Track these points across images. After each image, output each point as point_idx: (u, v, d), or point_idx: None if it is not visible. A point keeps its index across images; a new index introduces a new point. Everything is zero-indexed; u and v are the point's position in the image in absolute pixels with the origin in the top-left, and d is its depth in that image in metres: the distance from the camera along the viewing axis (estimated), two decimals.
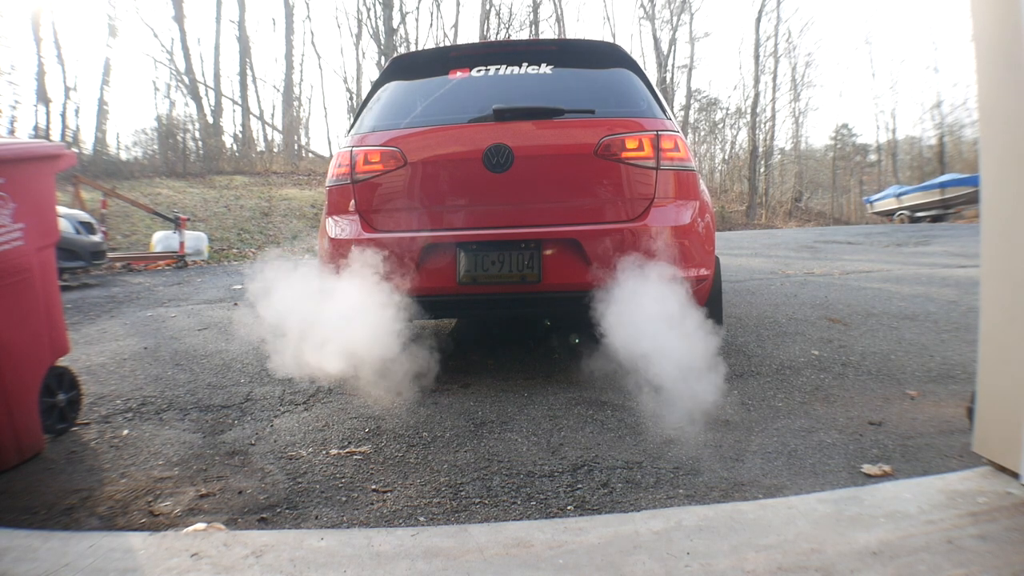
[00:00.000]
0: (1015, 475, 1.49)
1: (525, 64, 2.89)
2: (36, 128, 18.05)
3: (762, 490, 1.68)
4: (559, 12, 28.32)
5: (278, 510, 1.67)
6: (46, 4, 22.47)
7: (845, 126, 41.81)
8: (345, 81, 33.90)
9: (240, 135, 23.21)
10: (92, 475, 1.90)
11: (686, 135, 3.42)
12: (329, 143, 31.93)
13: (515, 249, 2.54)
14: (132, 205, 10.37)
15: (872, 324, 3.55)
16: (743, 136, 31.57)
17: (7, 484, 1.84)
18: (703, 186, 2.88)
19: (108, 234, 8.85)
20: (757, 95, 28.56)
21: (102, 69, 21.55)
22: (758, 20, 28.24)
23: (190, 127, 20.99)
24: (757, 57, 28.38)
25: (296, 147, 24.43)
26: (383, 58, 23.46)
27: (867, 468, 1.78)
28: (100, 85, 20.70)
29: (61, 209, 6.71)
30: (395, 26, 24.37)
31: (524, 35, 26.74)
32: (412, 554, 1.34)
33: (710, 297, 2.76)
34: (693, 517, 1.45)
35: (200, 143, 20.27)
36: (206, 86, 22.61)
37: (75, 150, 14.09)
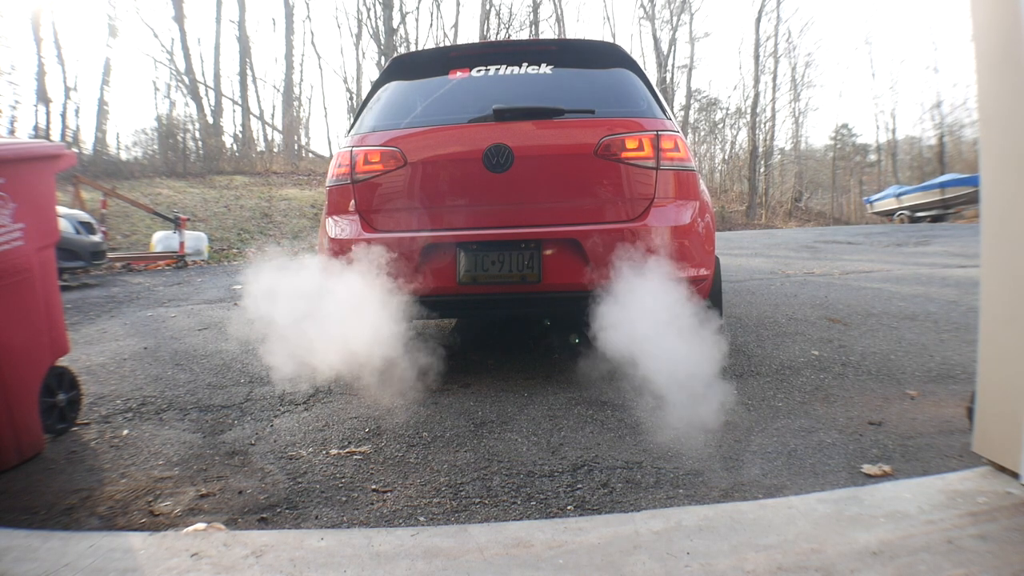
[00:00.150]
0: (1015, 475, 1.49)
1: (525, 64, 2.89)
2: (36, 128, 18.06)
3: (762, 490, 1.68)
4: (559, 12, 28.37)
5: (278, 510, 1.67)
6: (46, 4, 22.47)
7: (845, 126, 41.87)
8: (345, 81, 33.90)
9: (240, 135, 23.24)
10: (92, 475, 1.90)
11: (686, 135, 3.42)
12: (329, 143, 31.99)
13: (515, 249, 2.54)
14: (132, 205, 10.38)
15: (872, 324, 3.55)
16: (743, 136, 31.63)
17: (7, 484, 1.84)
18: (703, 186, 2.88)
19: (108, 234, 8.86)
20: (757, 95, 28.59)
21: (102, 69, 21.60)
22: (758, 20, 28.29)
23: (190, 127, 21.01)
24: (757, 57, 28.41)
25: (296, 147, 24.44)
26: (383, 58, 23.47)
27: (867, 468, 1.78)
28: (100, 85, 20.74)
29: (61, 209, 6.72)
30: (395, 26, 24.40)
31: (524, 35, 26.75)
32: (412, 554, 1.34)
33: (710, 297, 2.76)
34: (693, 517, 1.45)
35: (200, 143, 20.27)
36: (206, 86, 22.64)
37: (75, 150, 14.11)
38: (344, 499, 1.73)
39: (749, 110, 29.18)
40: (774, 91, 29.47)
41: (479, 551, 1.34)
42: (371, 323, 2.39)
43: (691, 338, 2.23)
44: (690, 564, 1.26)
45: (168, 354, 3.36)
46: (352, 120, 3.01)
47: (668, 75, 28.80)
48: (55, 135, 18.22)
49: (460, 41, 26.43)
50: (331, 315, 2.42)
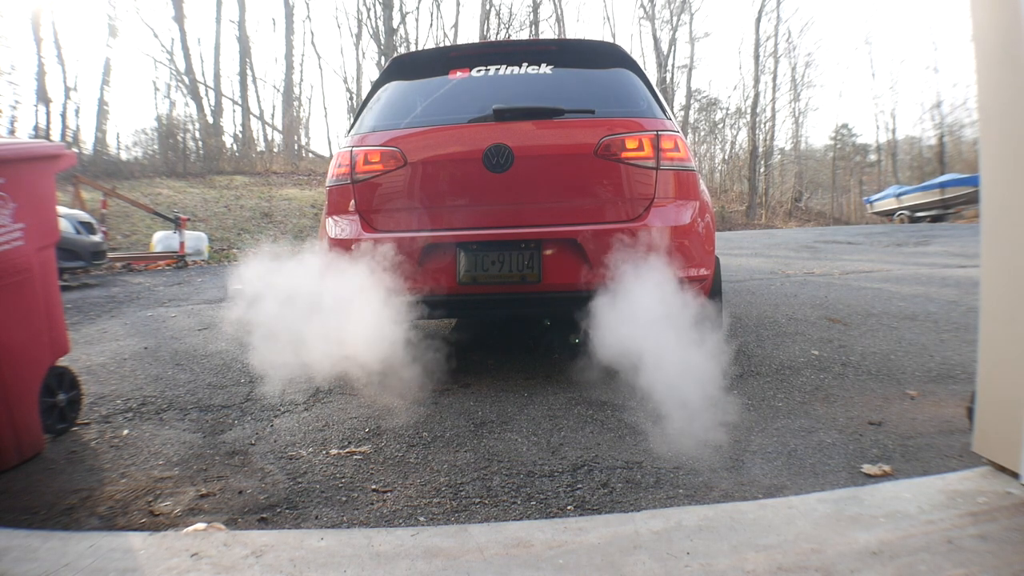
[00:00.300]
0: (1015, 475, 1.49)
1: (525, 64, 2.89)
2: (36, 128, 18.06)
3: (762, 490, 1.68)
4: (559, 12, 28.37)
5: (278, 510, 1.67)
6: (46, 4, 22.48)
7: (845, 126, 41.85)
8: (345, 81, 33.91)
9: (240, 135, 23.24)
10: (92, 475, 1.90)
11: (686, 135, 3.42)
12: (329, 143, 31.98)
13: (515, 249, 2.54)
14: (132, 205, 10.38)
15: (872, 324, 3.55)
16: (743, 136, 31.63)
17: (7, 484, 1.84)
18: (703, 186, 2.88)
19: (108, 234, 8.85)
20: (757, 95, 28.59)
21: (102, 69, 21.59)
22: (758, 20, 28.30)
23: (190, 127, 21.01)
24: (757, 57, 28.41)
25: (296, 147, 24.44)
26: (383, 58, 23.47)
27: (867, 468, 1.78)
28: (100, 85, 20.73)
29: (61, 209, 6.72)
30: (395, 26, 24.39)
31: (524, 35, 26.75)
32: (412, 554, 1.34)
33: (710, 297, 2.76)
34: (693, 517, 1.45)
35: (200, 143, 20.27)
36: (206, 86, 22.64)
37: (75, 150, 14.09)
38: (344, 499, 1.73)
39: (749, 110, 29.20)
40: (774, 91, 29.52)
41: (479, 551, 1.34)
42: (371, 323, 2.39)
43: (691, 338, 2.23)
44: (690, 564, 1.26)
45: (168, 354, 3.36)
46: (352, 120, 3.01)
47: (668, 75, 28.81)
48: (55, 135, 18.23)
49: (460, 41, 26.46)
50: (331, 316, 2.42)
